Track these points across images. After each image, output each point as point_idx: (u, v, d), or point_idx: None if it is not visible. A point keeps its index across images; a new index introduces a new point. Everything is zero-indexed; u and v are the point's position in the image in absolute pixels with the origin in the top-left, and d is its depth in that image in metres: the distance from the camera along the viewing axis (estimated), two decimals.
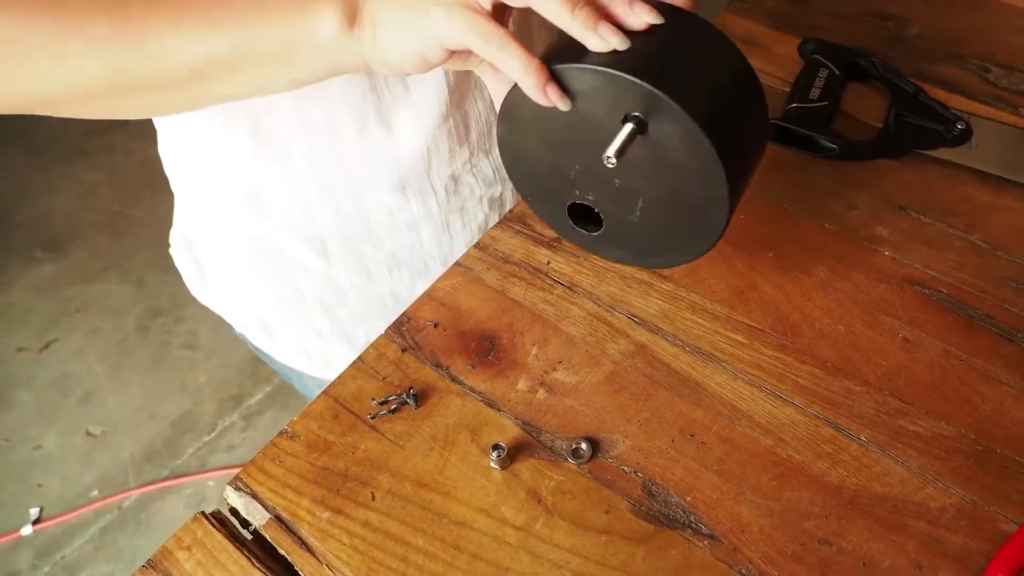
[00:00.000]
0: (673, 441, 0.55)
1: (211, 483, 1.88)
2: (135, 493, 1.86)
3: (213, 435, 1.97)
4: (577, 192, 0.53)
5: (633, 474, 0.54)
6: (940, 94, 0.74)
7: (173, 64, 0.48)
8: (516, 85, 0.49)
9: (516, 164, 0.55)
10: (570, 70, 0.45)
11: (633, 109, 0.45)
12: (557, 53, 0.46)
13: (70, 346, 2.15)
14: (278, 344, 0.83)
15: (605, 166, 0.45)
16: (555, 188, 0.54)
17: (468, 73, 0.67)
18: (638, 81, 0.43)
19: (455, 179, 0.73)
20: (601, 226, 0.55)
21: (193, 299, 0.87)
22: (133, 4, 0.47)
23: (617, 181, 0.50)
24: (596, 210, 0.53)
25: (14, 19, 0.46)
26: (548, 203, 0.55)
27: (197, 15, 0.47)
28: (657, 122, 0.45)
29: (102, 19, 0.47)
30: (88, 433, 1.99)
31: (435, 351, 0.61)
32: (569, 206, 0.54)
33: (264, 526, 0.53)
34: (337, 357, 0.82)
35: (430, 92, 0.65)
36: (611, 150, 0.44)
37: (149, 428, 1.99)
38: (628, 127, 0.44)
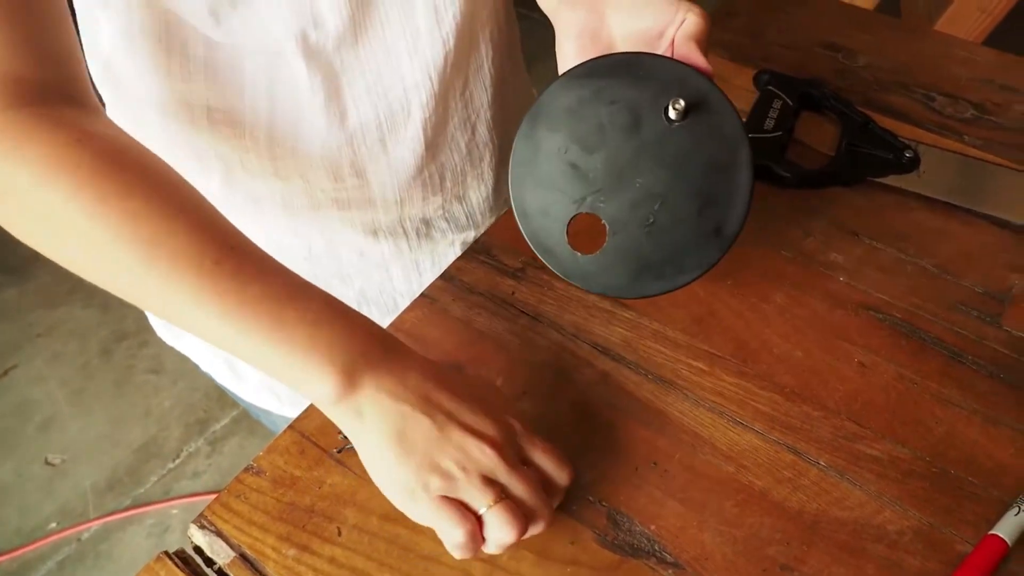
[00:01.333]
0: (637, 469, 0.56)
1: (175, 511, 1.85)
2: (95, 524, 1.83)
3: (178, 461, 1.94)
4: (589, 199, 0.53)
5: (598, 504, 0.54)
6: (889, 123, 0.77)
7: (167, 314, 0.48)
8: (554, 84, 0.53)
9: (526, 170, 0.54)
10: (629, 55, 0.52)
11: (681, 96, 0.50)
12: None
13: (31, 372, 2.11)
14: (246, 384, 0.83)
15: (632, 164, 0.52)
16: (564, 196, 0.53)
17: (445, 126, 0.68)
18: (691, 67, 0.51)
19: (427, 223, 0.74)
20: (600, 247, 0.54)
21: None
22: (164, 255, 0.45)
23: (639, 180, 0.52)
24: (604, 221, 0.53)
25: (67, 193, 0.44)
26: (547, 219, 0.54)
27: (212, 297, 0.45)
28: (699, 113, 0.51)
29: (137, 248, 0.45)
30: (47, 462, 1.95)
31: None
32: (571, 221, 0.54)
33: (229, 565, 0.52)
34: None
35: (406, 149, 0.66)
36: (679, 101, 0.50)
37: (112, 455, 1.95)
38: (681, 103, 0.50)
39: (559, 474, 0.50)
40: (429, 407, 0.47)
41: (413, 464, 0.47)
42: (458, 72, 0.66)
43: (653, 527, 0.53)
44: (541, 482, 0.49)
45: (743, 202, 0.51)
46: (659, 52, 0.53)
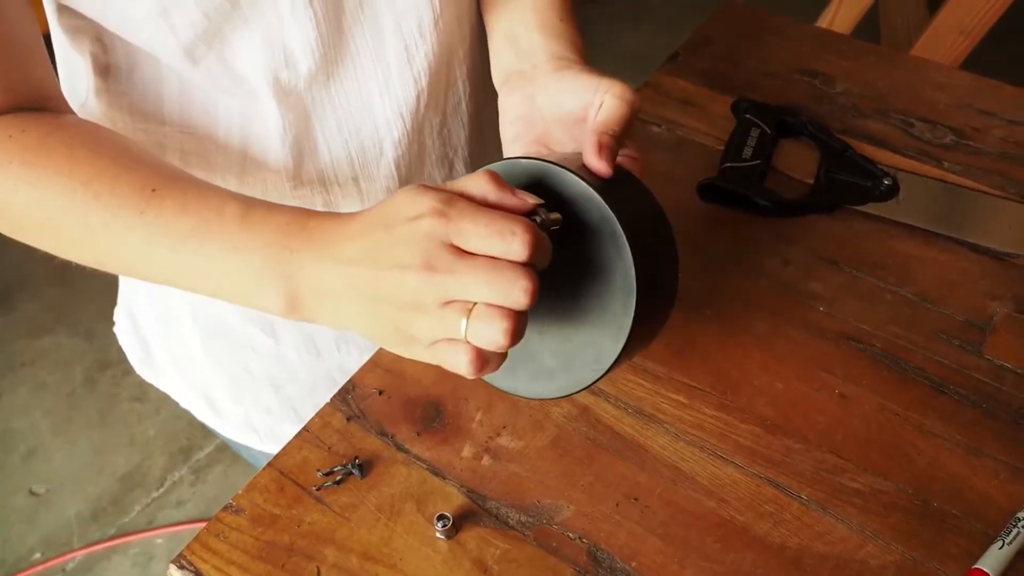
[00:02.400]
0: (617, 505, 0.55)
1: (159, 540, 1.83)
2: (79, 554, 1.81)
3: (162, 490, 1.92)
4: None
5: (578, 540, 0.54)
6: (867, 149, 0.77)
7: (105, 256, 0.50)
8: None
9: None
10: (518, 160, 0.48)
11: (551, 208, 0.46)
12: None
13: (15, 402, 2.09)
14: (225, 421, 0.82)
15: None
16: None
17: (422, 164, 0.69)
18: (573, 172, 0.46)
19: None
20: None
21: None
22: (104, 190, 0.47)
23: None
24: None
25: None
26: None
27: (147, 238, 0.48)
28: (583, 219, 0.47)
29: (70, 187, 0.48)
30: (31, 492, 1.93)
31: (380, 419, 0.60)
32: None
33: None
34: (285, 432, 0.80)
35: (380, 187, 0.66)
36: (535, 220, 0.45)
37: (96, 485, 1.93)
38: (537, 219, 0.45)
39: (509, 247, 0.41)
40: (355, 284, 0.44)
41: (381, 337, 0.45)
42: (435, 110, 0.66)
43: (634, 563, 0.52)
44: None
45: (629, 308, 0.47)
46: (585, 135, 0.50)
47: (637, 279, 0.46)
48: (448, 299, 0.42)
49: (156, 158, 0.52)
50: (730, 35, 0.92)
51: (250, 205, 0.48)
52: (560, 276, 0.48)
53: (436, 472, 0.57)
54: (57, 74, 0.57)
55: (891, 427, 0.59)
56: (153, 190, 0.47)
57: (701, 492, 0.56)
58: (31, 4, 0.51)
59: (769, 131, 0.76)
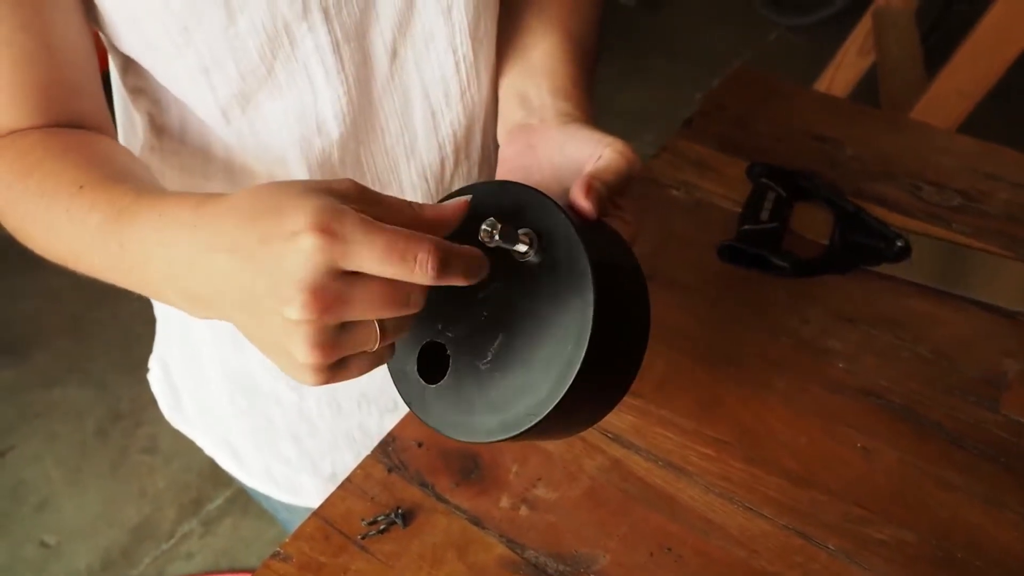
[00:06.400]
0: (651, 555, 0.57)
1: None
2: None
3: (172, 542, 1.92)
4: (439, 327, 0.48)
5: None
6: (879, 211, 0.81)
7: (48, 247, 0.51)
8: None
9: None
10: (495, 183, 0.47)
11: (530, 226, 0.45)
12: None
13: (27, 453, 2.10)
14: (247, 470, 0.84)
15: (478, 294, 0.47)
16: (418, 322, 0.48)
17: None
18: (546, 198, 0.45)
19: None
20: (442, 378, 0.48)
21: (154, 402, 0.88)
22: (47, 188, 0.49)
23: (484, 313, 0.47)
24: (448, 352, 0.48)
25: None
26: (404, 345, 0.50)
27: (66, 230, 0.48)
28: (553, 250, 0.45)
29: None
30: (42, 543, 1.93)
31: (420, 470, 0.63)
32: (423, 347, 0.49)
33: None
34: (304, 485, 0.83)
35: None
36: (491, 224, 0.41)
37: (106, 536, 1.93)
38: (496, 234, 0.42)
39: (411, 273, 0.38)
40: (232, 290, 0.40)
41: (268, 352, 0.42)
42: (466, 183, 0.69)
43: None
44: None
45: (576, 358, 0.43)
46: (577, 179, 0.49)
47: (593, 329, 0.43)
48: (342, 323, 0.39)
49: (119, 158, 0.52)
50: (741, 101, 0.96)
51: (140, 194, 0.46)
52: (517, 313, 0.46)
53: (475, 522, 0.60)
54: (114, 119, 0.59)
55: (913, 480, 0.61)
56: (80, 187, 0.47)
57: (732, 543, 0.58)
58: (91, 42, 0.55)
59: (784, 194, 0.79)
